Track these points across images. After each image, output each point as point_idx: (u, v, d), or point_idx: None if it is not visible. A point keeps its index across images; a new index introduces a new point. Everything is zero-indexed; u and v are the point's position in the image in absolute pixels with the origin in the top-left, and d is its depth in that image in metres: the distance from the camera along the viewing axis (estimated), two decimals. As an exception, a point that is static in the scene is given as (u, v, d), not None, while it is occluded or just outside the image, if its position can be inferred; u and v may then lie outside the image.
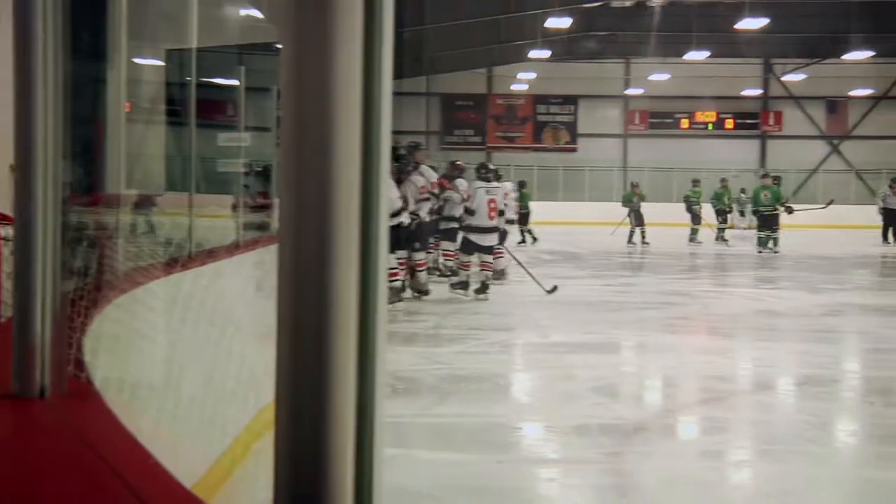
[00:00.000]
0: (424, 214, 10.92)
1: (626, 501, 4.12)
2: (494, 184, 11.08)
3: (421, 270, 10.66)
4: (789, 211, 18.77)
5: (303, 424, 0.73)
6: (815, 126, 35.95)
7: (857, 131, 35.76)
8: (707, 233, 21.69)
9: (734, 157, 35.30)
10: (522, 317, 9.80)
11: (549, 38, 28.64)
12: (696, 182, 22.95)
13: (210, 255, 4.40)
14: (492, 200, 10.69)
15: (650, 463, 4.68)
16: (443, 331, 8.56)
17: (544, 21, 25.11)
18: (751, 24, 22.90)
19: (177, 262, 3.86)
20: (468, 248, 10.95)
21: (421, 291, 10.64)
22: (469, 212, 10.80)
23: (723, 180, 23.51)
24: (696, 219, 21.84)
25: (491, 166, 11.60)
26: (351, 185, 0.72)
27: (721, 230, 22.24)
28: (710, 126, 36.02)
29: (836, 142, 35.89)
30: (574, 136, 36.04)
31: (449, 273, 12.00)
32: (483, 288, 10.71)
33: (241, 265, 4.79)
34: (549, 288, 10.88)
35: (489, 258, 10.97)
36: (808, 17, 29.32)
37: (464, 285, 10.83)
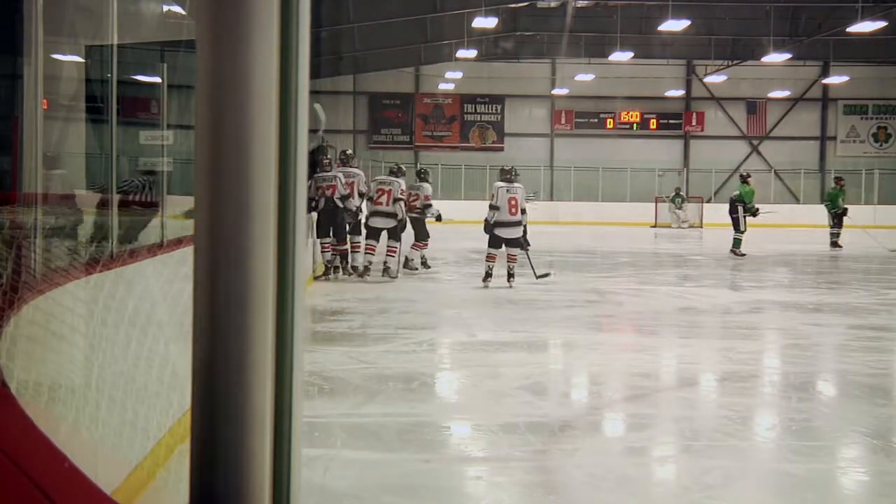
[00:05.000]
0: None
1: (552, 498, 4.16)
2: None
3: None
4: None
5: (219, 425, 0.72)
6: (736, 126, 36.68)
7: (775, 132, 36.58)
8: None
9: (658, 156, 35.87)
10: (450, 316, 9.82)
11: (476, 38, 28.78)
12: (839, 180, 21.22)
13: (132, 255, 4.32)
14: (379, 190, 12.66)
15: (576, 460, 4.72)
16: (370, 330, 8.53)
17: (471, 21, 25.22)
18: (673, 25, 23.27)
19: (97, 262, 3.79)
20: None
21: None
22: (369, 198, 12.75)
23: (840, 179, 21.90)
24: (839, 221, 20.62)
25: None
26: (267, 183, 0.71)
27: (836, 234, 20.88)
28: (634, 126, 36.51)
29: (755, 142, 36.67)
30: (501, 135, 36.24)
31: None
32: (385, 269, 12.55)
33: (163, 265, 4.71)
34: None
35: (392, 243, 12.71)
36: (728, 19, 29.92)
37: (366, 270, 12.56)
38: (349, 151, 13.72)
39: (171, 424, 4.16)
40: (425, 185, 13.57)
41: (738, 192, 18.36)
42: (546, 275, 12.19)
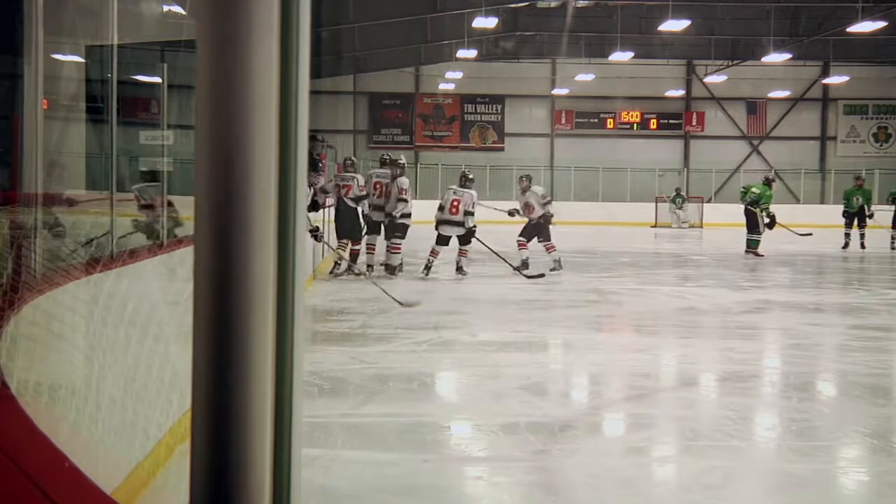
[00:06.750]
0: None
1: (552, 498, 4.15)
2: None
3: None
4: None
5: (219, 425, 0.72)
6: (736, 126, 36.68)
7: (775, 132, 36.58)
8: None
9: (659, 156, 35.86)
10: (450, 316, 9.81)
11: (476, 38, 28.78)
12: (856, 179, 21.12)
13: (132, 255, 4.32)
14: (455, 201, 13.13)
15: (576, 460, 4.72)
16: (370, 330, 8.53)
17: (471, 21, 25.22)
18: (673, 25, 23.26)
19: (98, 262, 3.79)
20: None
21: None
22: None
23: (857, 178, 21.46)
24: (859, 221, 20.48)
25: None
26: (267, 183, 0.71)
27: (860, 235, 20.57)
28: (634, 126, 36.50)
29: (755, 142, 36.66)
30: (501, 135, 36.23)
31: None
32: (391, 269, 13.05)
33: (164, 265, 4.71)
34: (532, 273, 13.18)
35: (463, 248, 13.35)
36: (728, 19, 29.93)
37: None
38: (385, 156, 13.93)
39: (171, 425, 4.16)
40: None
41: (757, 192, 18.28)
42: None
